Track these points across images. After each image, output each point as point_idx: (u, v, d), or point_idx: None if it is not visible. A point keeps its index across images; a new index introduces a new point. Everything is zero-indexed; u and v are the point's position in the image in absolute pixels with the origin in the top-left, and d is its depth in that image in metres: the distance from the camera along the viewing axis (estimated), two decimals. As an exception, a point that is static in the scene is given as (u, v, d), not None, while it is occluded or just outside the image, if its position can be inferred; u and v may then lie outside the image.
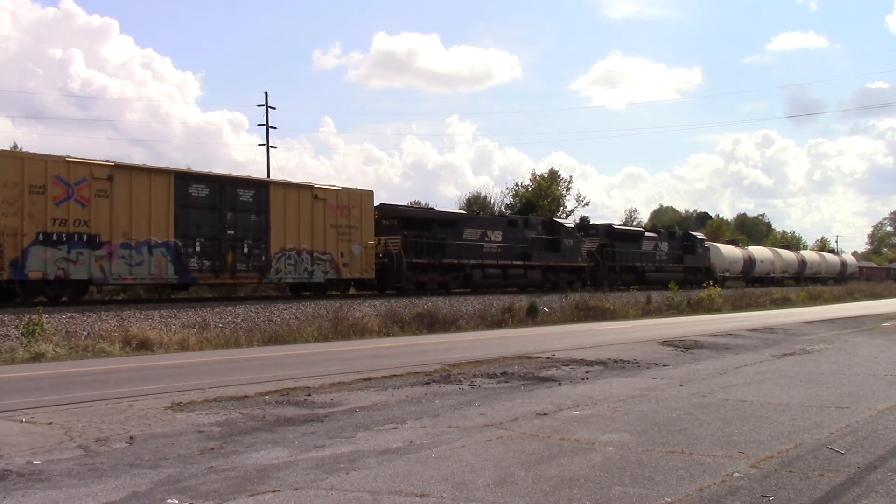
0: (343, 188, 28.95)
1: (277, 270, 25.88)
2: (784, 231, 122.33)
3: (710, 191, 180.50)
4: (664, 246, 48.13)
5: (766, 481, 6.40)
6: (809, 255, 75.42)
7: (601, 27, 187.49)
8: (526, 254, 36.29)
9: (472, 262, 33.16)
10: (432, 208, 39.17)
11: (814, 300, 50.80)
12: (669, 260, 48.15)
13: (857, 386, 12.10)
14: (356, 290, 30.22)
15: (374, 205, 29.92)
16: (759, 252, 64.14)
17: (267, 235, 25.61)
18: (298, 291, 28.61)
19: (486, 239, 34.34)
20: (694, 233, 56.29)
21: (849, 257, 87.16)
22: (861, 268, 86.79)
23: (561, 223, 40.44)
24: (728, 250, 57.83)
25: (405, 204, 41.71)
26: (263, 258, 25.48)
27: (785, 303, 47.00)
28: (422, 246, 31.04)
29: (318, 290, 28.07)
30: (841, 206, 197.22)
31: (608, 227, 44.42)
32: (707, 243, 54.99)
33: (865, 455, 7.38)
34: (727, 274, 55.61)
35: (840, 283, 72.31)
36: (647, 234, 47.91)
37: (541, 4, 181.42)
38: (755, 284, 59.07)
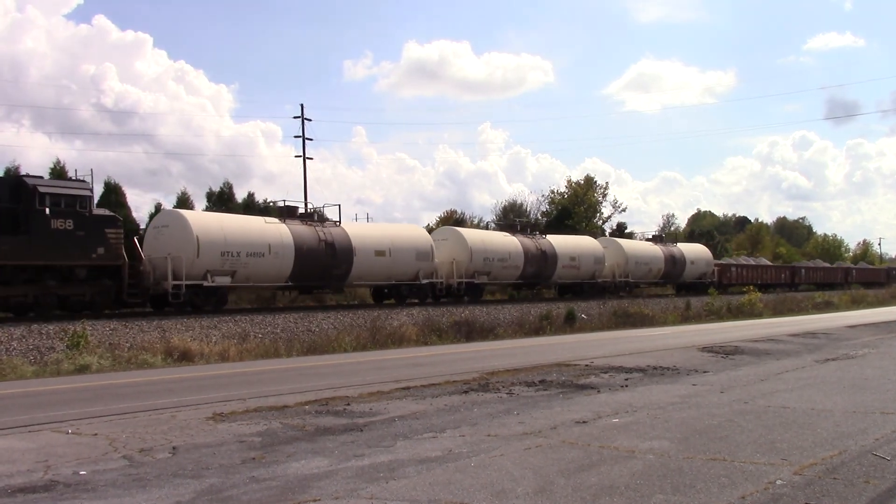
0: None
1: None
2: (826, 234, 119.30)
3: (747, 194, 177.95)
4: None
5: (809, 488, 6.32)
6: (576, 243, 40.40)
7: (632, 31, 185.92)
8: None
9: None
10: None
11: (857, 304, 50.16)
12: None
13: (904, 391, 11.89)
14: None
15: None
16: (391, 233, 30.83)
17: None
18: None
19: None
20: (36, 182, 21.63)
21: (692, 249, 51.79)
22: (726, 266, 55.29)
23: None
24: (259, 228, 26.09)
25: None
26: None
27: (827, 307, 46.38)
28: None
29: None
30: (882, 208, 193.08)
31: None
32: (186, 213, 26.11)
33: (912, 461, 7.25)
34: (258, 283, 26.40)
35: (671, 297, 45.14)
36: None
37: (570, 10, 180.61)
38: (385, 302, 30.39)
